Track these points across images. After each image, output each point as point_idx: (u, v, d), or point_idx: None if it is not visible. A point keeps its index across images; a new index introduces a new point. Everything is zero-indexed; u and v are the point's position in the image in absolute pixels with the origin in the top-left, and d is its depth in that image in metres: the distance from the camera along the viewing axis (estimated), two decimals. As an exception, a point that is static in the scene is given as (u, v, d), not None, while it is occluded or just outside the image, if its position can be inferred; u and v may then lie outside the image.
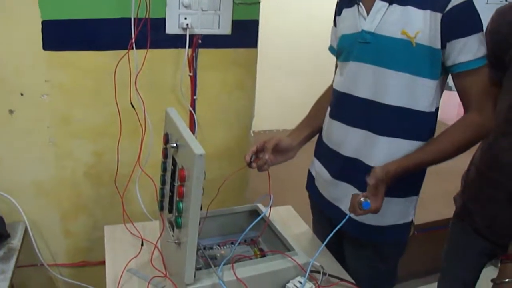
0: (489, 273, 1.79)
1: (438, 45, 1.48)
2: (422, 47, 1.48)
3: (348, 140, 1.68)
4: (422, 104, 1.56)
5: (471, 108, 1.54)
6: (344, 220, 1.48)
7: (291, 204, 2.07)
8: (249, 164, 1.66)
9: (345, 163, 1.70)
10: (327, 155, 1.78)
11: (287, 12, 4.47)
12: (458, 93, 1.56)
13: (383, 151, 1.60)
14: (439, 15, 1.45)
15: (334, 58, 1.83)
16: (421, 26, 1.47)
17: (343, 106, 1.70)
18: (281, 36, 4.49)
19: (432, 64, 1.51)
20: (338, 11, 1.76)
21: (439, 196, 2.23)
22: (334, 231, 1.50)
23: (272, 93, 4.48)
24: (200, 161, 1.24)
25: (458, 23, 1.45)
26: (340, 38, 1.70)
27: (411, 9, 1.48)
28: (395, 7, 1.51)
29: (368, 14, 1.57)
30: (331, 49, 1.84)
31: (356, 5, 1.62)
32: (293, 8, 4.49)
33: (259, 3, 2.12)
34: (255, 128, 2.35)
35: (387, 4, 1.52)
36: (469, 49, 1.47)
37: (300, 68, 4.67)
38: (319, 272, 1.57)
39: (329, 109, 1.78)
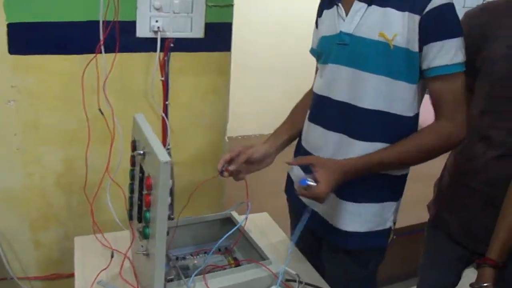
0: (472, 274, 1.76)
1: (415, 48, 1.44)
2: (400, 49, 1.44)
3: (326, 144, 1.64)
4: (400, 108, 1.52)
5: (443, 116, 1.49)
6: (306, 217, 1.52)
7: (269, 209, 2.02)
8: (221, 173, 1.61)
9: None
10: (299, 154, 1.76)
11: (265, 13, 4.44)
12: (431, 99, 1.51)
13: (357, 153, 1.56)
14: (417, 17, 1.41)
15: (312, 61, 1.79)
16: (399, 28, 1.43)
17: (322, 109, 1.66)
18: (258, 38, 4.45)
19: (410, 68, 1.47)
20: (319, 13, 1.72)
21: (419, 199, 2.20)
22: (299, 227, 1.52)
23: (248, 97, 4.44)
24: (165, 168, 1.18)
25: (436, 26, 1.42)
26: (320, 39, 1.67)
27: (390, 11, 1.44)
28: (374, 8, 1.47)
29: (347, 15, 1.53)
30: (312, 51, 1.80)
31: (335, 6, 1.58)
32: (271, 9, 4.46)
33: (232, 5, 2.08)
34: (230, 134, 2.30)
35: (366, 5, 1.49)
36: (445, 53, 1.43)
37: (278, 72, 4.64)
38: (295, 281, 1.53)
39: (308, 112, 1.74)
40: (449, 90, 1.46)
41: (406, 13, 1.42)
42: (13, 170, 2.02)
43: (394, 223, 1.69)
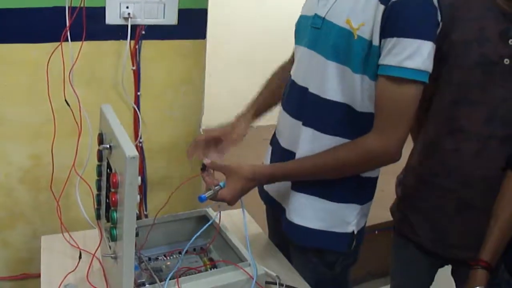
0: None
1: (377, 42, 1.33)
2: (363, 40, 1.34)
3: (286, 130, 1.61)
4: (361, 103, 1.42)
5: (375, 127, 1.38)
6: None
7: (248, 203, 1.95)
8: (203, 170, 1.55)
9: (282, 155, 1.61)
10: (274, 146, 1.71)
11: (242, 2, 4.37)
12: (374, 104, 1.40)
13: (307, 144, 1.51)
14: (382, 8, 1.30)
15: (290, 50, 1.71)
16: (367, 17, 1.33)
17: (288, 93, 1.62)
18: (234, 26, 4.39)
19: (372, 62, 1.36)
20: None
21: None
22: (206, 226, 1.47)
23: (224, 87, 4.37)
24: (132, 164, 1.09)
25: (395, 20, 1.29)
26: (299, 18, 1.60)
27: None
28: None
29: None
30: None
31: None
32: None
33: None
34: (207, 124, 2.21)
35: None
36: (396, 53, 1.30)
37: (254, 60, 4.58)
38: (275, 283, 1.46)
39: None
40: (388, 96, 1.34)
41: (376, 1, 1.32)
42: (-24, 167, 1.92)
43: (362, 229, 1.61)
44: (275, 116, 1.76)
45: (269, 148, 1.78)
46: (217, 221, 1.56)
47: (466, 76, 1.57)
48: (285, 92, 1.65)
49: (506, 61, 1.51)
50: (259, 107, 1.79)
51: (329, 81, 1.43)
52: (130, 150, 1.10)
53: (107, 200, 1.30)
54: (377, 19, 1.31)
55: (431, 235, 1.73)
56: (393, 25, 1.29)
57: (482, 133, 1.56)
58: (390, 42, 1.30)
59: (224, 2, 3.56)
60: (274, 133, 1.74)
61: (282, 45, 1.73)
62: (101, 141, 1.36)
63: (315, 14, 1.47)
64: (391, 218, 1.92)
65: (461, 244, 1.66)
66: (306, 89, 1.50)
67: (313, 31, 1.48)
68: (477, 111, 1.56)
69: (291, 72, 1.62)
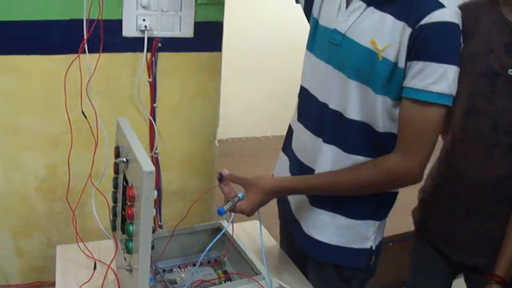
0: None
1: (402, 64, 1.32)
2: (388, 62, 1.33)
3: (305, 145, 1.60)
4: (383, 124, 1.42)
5: (398, 147, 1.38)
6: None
7: (264, 216, 1.96)
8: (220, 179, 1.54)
9: (301, 169, 1.60)
10: (291, 159, 1.70)
11: (255, 13, 4.37)
12: (398, 124, 1.40)
13: (327, 161, 1.51)
14: (409, 30, 1.29)
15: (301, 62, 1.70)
16: (392, 39, 1.32)
17: (307, 108, 1.61)
18: (248, 38, 4.39)
19: (394, 83, 1.35)
20: None
21: (415, 205, 2.15)
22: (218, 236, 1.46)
23: (237, 99, 4.37)
24: (149, 179, 1.10)
25: (422, 44, 1.28)
26: (315, 25, 1.58)
27: (387, 18, 1.33)
28: (372, 10, 1.37)
29: (346, 10, 1.43)
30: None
31: None
32: (261, 9, 4.39)
33: (223, 3, 1.99)
34: (220, 136, 2.22)
35: (365, 5, 1.39)
36: (423, 77, 1.29)
37: (268, 72, 4.58)
38: (290, 297, 1.46)
39: (296, 111, 1.68)
40: (413, 119, 1.34)
41: (402, 23, 1.31)
42: (-7, 176, 1.93)
43: (380, 243, 1.61)
44: (285, 127, 1.76)
45: (282, 156, 1.77)
46: (229, 229, 1.57)
47: (473, 86, 1.59)
48: (303, 105, 1.64)
49: (510, 71, 1.53)
50: None
51: (350, 99, 1.42)
52: (147, 165, 1.11)
53: (123, 213, 1.31)
54: (404, 42, 1.30)
55: (444, 239, 1.76)
56: (420, 48, 1.28)
57: (488, 141, 1.58)
58: (417, 65, 1.29)
59: (238, 13, 3.57)
60: (288, 142, 1.74)
61: (295, 54, 1.72)
62: (117, 154, 1.37)
63: (335, 29, 1.45)
64: (405, 229, 1.93)
65: (469, 249, 1.68)
66: (327, 106, 1.49)
67: (332, 47, 1.46)
68: (483, 120, 1.59)
69: (306, 83, 1.61)
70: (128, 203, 1.21)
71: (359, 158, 1.46)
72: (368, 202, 1.52)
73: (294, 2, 1.72)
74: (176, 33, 1.96)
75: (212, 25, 2.01)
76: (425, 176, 1.85)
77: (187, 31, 1.97)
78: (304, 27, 1.70)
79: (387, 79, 1.35)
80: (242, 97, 4.49)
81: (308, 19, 1.66)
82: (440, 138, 1.45)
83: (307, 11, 1.66)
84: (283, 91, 4.43)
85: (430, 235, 1.81)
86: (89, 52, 1.82)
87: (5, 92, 1.84)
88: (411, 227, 1.96)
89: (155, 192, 1.15)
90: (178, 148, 2.14)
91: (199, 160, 2.18)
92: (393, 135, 1.41)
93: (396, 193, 1.57)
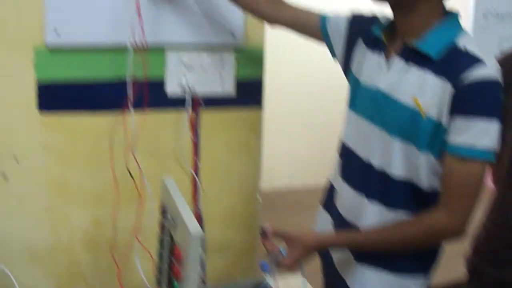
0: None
1: (444, 120, 1.33)
2: (430, 120, 1.35)
3: (348, 201, 1.60)
4: (426, 180, 1.42)
5: (442, 204, 1.38)
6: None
7: (307, 270, 1.96)
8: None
9: (343, 225, 1.61)
10: (333, 215, 1.70)
11: (295, 63, 4.43)
12: (440, 180, 1.40)
13: (372, 218, 1.51)
14: (452, 88, 1.31)
15: (339, 112, 1.72)
16: (434, 96, 1.34)
17: (349, 165, 1.62)
18: (289, 89, 4.43)
19: (438, 140, 1.36)
20: (357, 33, 1.65)
21: (459, 254, 2.11)
22: None
23: (277, 149, 4.40)
24: (197, 243, 1.13)
25: (465, 100, 1.30)
26: (355, 82, 1.60)
27: (428, 75, 1.36)
28: (413, 69, 1.39)
29: (387, 68, 1.46)
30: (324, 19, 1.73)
31: (379, 53, 1.51)
32: (300, 59, 4.44)
33: (263, 61, 2.05)
34: (264, 187, 2.23)
35: (405, 63, 1.41)
36: (465, 134, 1.30)
37: (305, 123, 4.61)
38: None
39: (339, 166, 1.68)
40: (456, 175, 1.34)
41: (443, 80, 1.33)
42: (41, 229, 1.97)
43: None
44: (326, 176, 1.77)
45: (322, 213, 1.78)
46: (273, 284, 1.58)
47: None
48: (345, 162, 1.65)
49: None
50: None
51: (393, 157, 1.43)
52: (195, 228, 1.14)
53: (169, 271, 1.34)
54: (445, 99, 1.32)
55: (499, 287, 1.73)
56: (462, 105, 1.30)
57: None
58: (460, 122, 1.30)
59: (279, 67, 3.63)
60: (329, 198, 1.74)
61: (336, 107, 1.75)
62: (163, 213, 1.40)
63: (376, 87, 1.47)
64: (448, 277, 1.91)
65: None
66: (370, 163, 1.50)
67: (374, 105, 1.48)
68: None
69: (347, 140, 1.63)
70: (175, 263, 1.24)
71: (403, 214, 1.47)
72: (414, 257, 1.51)
73: (332, 57, 1.76)
74: (218, 91, 2.01)
75: (253, 82, 2.06)
76: (477, 224, 1.86)
77: (229, 89, 2.02)
78: (343, 79, 1.73)
79: (430, 136, 1.36)
80: (284, 146, 4.52)
81: (346, 75, 1.69)
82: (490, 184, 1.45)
83: (345, 67, 1.69)
84: (320, 141, 4.47)
85: (484, 283, 1.77)
86: (133, 110, 1.87)
87: (53, 149, 1.90)
88: (457, 275, 1.93)
89: (202, 255, 1.17)
90: (221, 204, 2.16)
91: (242, 215, 2.20)
92: (438, 190, 1.42)
93: (442, 246, 1.56)
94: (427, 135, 1.36)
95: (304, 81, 4.53)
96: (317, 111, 4.53)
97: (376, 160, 1.49)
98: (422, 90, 1.36)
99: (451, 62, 1.34)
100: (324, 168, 2.77)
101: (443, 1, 1.43)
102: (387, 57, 1.48)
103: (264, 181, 2.26)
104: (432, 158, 1.38)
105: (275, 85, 2.92)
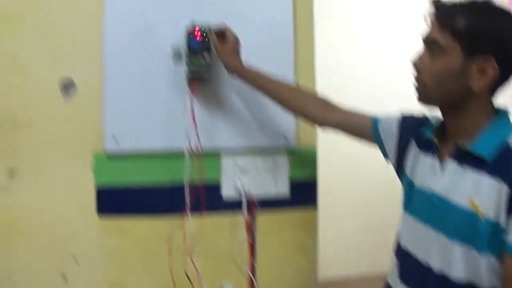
0: None
1: (503, 221, 1.31)
2: (488, 222, 1.32)
3: None
4: (487, 282, 1.37)
5: None
6: None
7: None
8: None
9: None
10: None
11: (349, 152, 4.45)
12: (500, 280, 1.36)
13: None
14: (507, 189, 1.29)
15: (395, 193, 1.71)
16: (491, 198, 1.31)
17: (407, 268, 1.58)
18: (344, 178, 4.44)
19: (498, 241, 1.33)
20: (409, 133, 1.65)
21: None
22: None
23: (337, 237, 4.36)
24: None
25: None
26: (413, 185, 1.58)
27: (483, 177, 1.34)
28: (467, 171, 1.38)
29: (440, 170, 1.45)
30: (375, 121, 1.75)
31: (432, 155, 1.51)
32: (355, 147, 4.46)
33: (316, 161, 2.08)
34: (321, 277, 2.19)
35: (459, 166, 1.41)
36: None
37: (360, 206, 4.58)
38: None
39: (397, 270, 1.64)
40: None
41: (498, 181, 1.31)
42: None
43: None
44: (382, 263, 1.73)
45: None
46: None
47: None
48: (403, 265, 1.62)
49: None
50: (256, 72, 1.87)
51: (453, 260, 1.39)
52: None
53: None
54: (502, 200, 1.30)
55: None
56: None
57: None
58: None
59: (333, 152, 3.66)
60: None
61: (391, 196, 1.74)
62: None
63: (431, 190, 1.46)
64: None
65: None
66: (428, 265, 1.47)
67: (431, 208, 1.46)
68: None
69: (404, 243, 1.60)
70: None
71: None
72: None
73: (383, 157, 1.77)
74: (272, 193, 2.04)
75: (307, 183, 2.08)
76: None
77: (283, 191, 2.05)
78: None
79: (489, 237, 1.33)
80: (341, 237, 4.48)
81: (399, 176, 1.69)
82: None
83: (398, 168, 1.69)
84: (376, 223, 4.42)
85: None
86: (191, 214, 1.92)
87: (111, 251, 1.95)
88: None
89: None
90: (278, 303, 2.15)
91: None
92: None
93: None
94: (486, 236, 1.33)
95: (361, 166, 4.53)
96: (370, 202, 4.51)
97: (435, 263, 1.46)
98: (478, 192, 1.34)
99: (505, 163, 1.33)
100: (378, 257, 2.71)
101: (492, 100, 1.43)
102: (440, 159, 1.48)
103: (321, 271, 2.24)
104: (492, 259, 1.35)
105: (331, 168, 2.93)
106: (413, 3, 3.96)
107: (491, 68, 1.33)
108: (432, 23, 1.41)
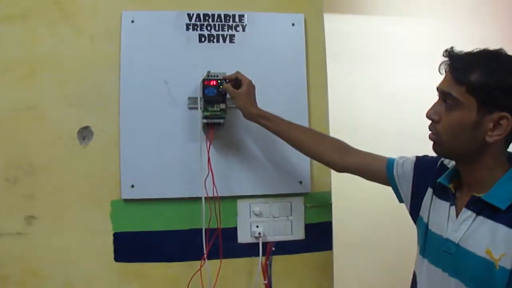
0: None
1: None
2: (504, 270, 1.33)
3: None
4: None
5: None
6: None
7: None
8: None
9: None
10: None
11: (362, 188, 4.44)
12: None
13: None
14: None
15: (409, 232, 1.72)
16: (507, 247, 1.32)
17: None
18: (357, 214, 4.43)
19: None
20: (425, 182, 1.65)
21: None
22: None
23: (351, 274, 4.33)
24: None
25: None
26: (428, 230, 1.58)
27: (499, 227, 1.35)
28: (483, 220, 1.39)
29: (456, 218, 1.46)
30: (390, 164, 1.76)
31: (448, 202, 1.52)
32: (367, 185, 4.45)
33: (331, 204, 2.10)
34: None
35: (475, 214, 1.41)
36: None
37: (372, 245, 4.55)
38: None
39: None
40: None
41: None
42: None
43: None
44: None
45: None
46: None
47: None
48: None
49: None
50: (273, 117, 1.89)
51: None
52: None
53: None
54: None
55: None
56: None
57: None
58: None
59: (346, 190, 3.66)
60: None
61: (406, 238, 1.74)
62: None
63: (447, 239, 1.46)
64: None
65: None
66: None
67: (447, 255, 1.46)
68: None
69: (420, 285, 1.59)
70: None
71: None
72: None
73: (397, 199, 1.78)
74: (288, 237, 2.05)
75: (321, 226, 2.09)
76: None
77: (299, 234, 2.07)
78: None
79: (505, 285, 1.34)
80: (354, 272, 4.46)
81: (414, 219, 1.70)
82: None
83: (412, 211, 1.70)
84: (389, 264, 4.38)
85: None
86: (208, 259, 1.93)
87: (131, 297, 1.97)
88: None
89: None
90: None
91: None
92: None
93: None
94: (501, 284, 1.34)
95: (375, 204, 4.51)
96: (385, 243, 4.48)
97: None
98: (494, 241, 1.35)
99: None
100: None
101: (506, 150, 1.45)
102: (456, 206, 1.50)
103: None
104: None
105: (344, 206, 2.91)
106: (421, 43, 4.00)
107: (506, 122, 1.35)
108: (447, 75, 1.44)
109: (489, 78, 1.34)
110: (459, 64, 1.40)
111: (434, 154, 1.59)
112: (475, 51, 1.42)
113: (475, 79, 1.35)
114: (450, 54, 1.44)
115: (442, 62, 1.46)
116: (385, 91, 4.19)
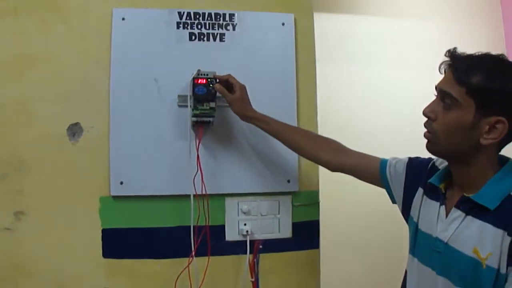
0: None
1: (504, 270, 1.34)
2: (491, 270, 1.35)
3: None
4: None
5: None
6: None
7: None
8: None
9: None
10: None
11: (353, 187, 4.45)
12: None
13: None
14: (509, 239, 1.32)
15: (396, 233, 1.72)
16: (494, 247, 1.34)
17: None
18: (347, 214, 4.44)
19: (500, 287, 1.36)
20: (415, 181, 1.67)
21: None
22: None
23: (334, 270, 4.35)
24: None
25: None
26: (418, 230, 1.61)
27: (487, 227, 1.37)
28: (472, 220, 1.41)
29: (446, 217, 1.48)
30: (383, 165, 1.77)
31: (438, 202, 1.54)
32: (350, 186, 4.46)
33: (318, 203, 2.11)
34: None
35: (464, 214, 1.44)
36: None
37: (368, 247, 4.57)
38: None
39: None
40: None
41: (502, 231, 1.34)
42: None
43: None
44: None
45: None
46: None
47: None
48: None
49: None
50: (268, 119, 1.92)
51: None
52: None
53: None
54: (504, 249, 1.32)
55: None
56: None
57: None
58: None
59: (337, 187, 3.66)
60: None
61: (395, 237, 1.74)
62: None
63: (437, 238, 1.48)
64: None
65: None
66: None
67: (435, 254, 1.48)
68: None
69: (410, 284, 1.62)
70: None
71: None
72: None
73: (390, 200, 1.79)
74: (275, 235, 2.07)
75: (309, 224, 2.11)
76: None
77: (286, 232, 2.08)
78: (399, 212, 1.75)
79: (492, 285, 1.35)
80: (342, 274, 4.47)
81: (405, 219, 1.71)
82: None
83: (404, 211, 1.71)
84: (374, 262, 4.40)
85: None
86: (196, 256, 1.94)
87: (117, 292, 1.98)
88: None
89: None
90: None
91: None
92: None
93: None
94: (488, 283, 1.36)
95: (365, 202, 4.52)
96: (373, 243, 4.49)
97: None
98: (482, 241, 1.37)
99: (509, 214, 1.36)
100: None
101: (498, 153, 1.47)
102: (446, 206, 1.52)
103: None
104: None
105: (332, 205, 2.92)
106: (412, 45, 4.02)
107: (502, 126, 1.37)
108: (447, 75, 1.45)
109: (490, 82, 1.35)
110: (461, 65, 1.41)
111: (426, 156, 1.62)
112: (478, 54, 1.43)
113: (476, 82, 1.36)
114: (453, 54, 1.45)
115: (443, 62, 1.47)
116: (372, 90, 4.20)
